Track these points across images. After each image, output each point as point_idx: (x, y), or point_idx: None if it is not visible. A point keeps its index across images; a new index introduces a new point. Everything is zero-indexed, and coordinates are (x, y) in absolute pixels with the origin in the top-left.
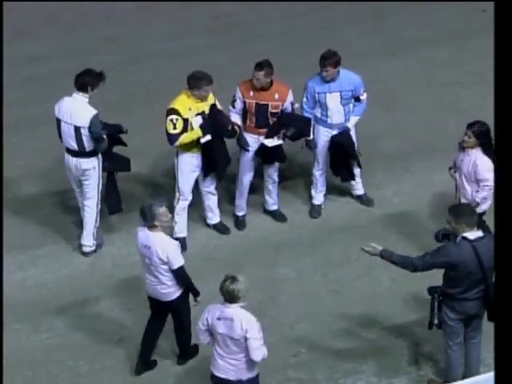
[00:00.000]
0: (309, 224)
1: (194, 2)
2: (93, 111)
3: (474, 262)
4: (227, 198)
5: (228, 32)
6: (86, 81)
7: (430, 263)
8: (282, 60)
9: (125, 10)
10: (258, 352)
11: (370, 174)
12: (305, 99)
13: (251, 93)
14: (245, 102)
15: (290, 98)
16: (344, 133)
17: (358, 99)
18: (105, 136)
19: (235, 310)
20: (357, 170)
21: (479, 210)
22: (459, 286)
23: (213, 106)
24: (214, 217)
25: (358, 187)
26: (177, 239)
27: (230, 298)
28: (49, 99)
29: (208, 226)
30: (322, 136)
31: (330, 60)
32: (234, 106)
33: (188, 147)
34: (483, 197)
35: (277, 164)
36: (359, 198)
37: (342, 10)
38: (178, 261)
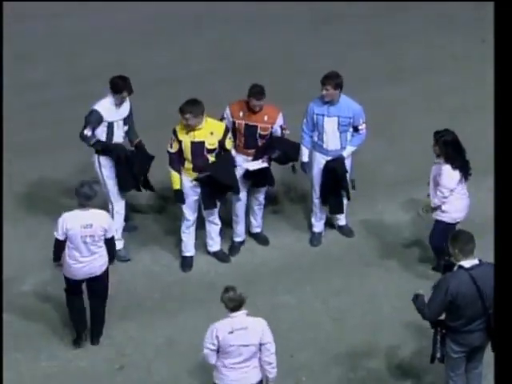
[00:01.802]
0: (309, 251)
1: (195, 27)
2: (95, 107)
3: (472, 292)
4: (229, 223)
5: (229, 58)
6: (111, 82)
7: (436, 306)
8: (282, 85)
9: (126, 37)
10: (274, 356)
11: (371, 200)
12: (304, 120)
13: (241, 113)
14: (234, 123)
15: (279, 121)
16: (339, 160)
17: (356, 129)
18: (87, 133)
19: (245, 319)
20: (345, 202)
21: (438, 216)
22: (461, 319)
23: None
24: (214, 244)
25: (341, 217)
26: (184, 258)
27: (239, 304)
28: (50, 125)
29: (208, 253)
30: (318, 163)
31: (330, 79)
32: None
33: (185, 170)
34: (435, 202)
35: (264, 187)
36: (340, 228)
37: (343, 36)
38: (113, 228)
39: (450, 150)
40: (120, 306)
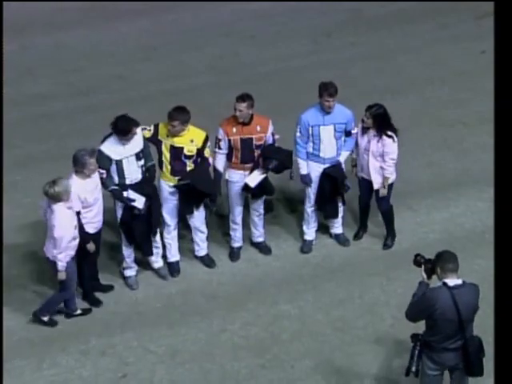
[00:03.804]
0: (311, 261)
1: (195, 41)
2: (100, 147)
3: (451, 310)
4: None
5: (230, 71)
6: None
7: (414, 315)
8: (283, 99)
9: (127, 50)
10: None
11: (372, 210)
12: (298, 134)
13: (234, 129)
14: (229, 140)
15: (270, 128)
16: (336, 166)
17: (348, 134)
18: (102, 175)
19: (56, 208)
20: (340, 209)
21: (390, 181)
22: (437, 335)
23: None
24: (200, 250)
25: (337, 225)
26: (170, 264)
27: (54, 200)
28: (53, 138)
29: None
30: (314, 171)
31: (333, 88)
32: (220, 147)
33: (164, 176)
34: (390, 172)
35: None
36: (337, 236)
37: (343, 49)
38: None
39: (384, 121)
40: (122, 316)
